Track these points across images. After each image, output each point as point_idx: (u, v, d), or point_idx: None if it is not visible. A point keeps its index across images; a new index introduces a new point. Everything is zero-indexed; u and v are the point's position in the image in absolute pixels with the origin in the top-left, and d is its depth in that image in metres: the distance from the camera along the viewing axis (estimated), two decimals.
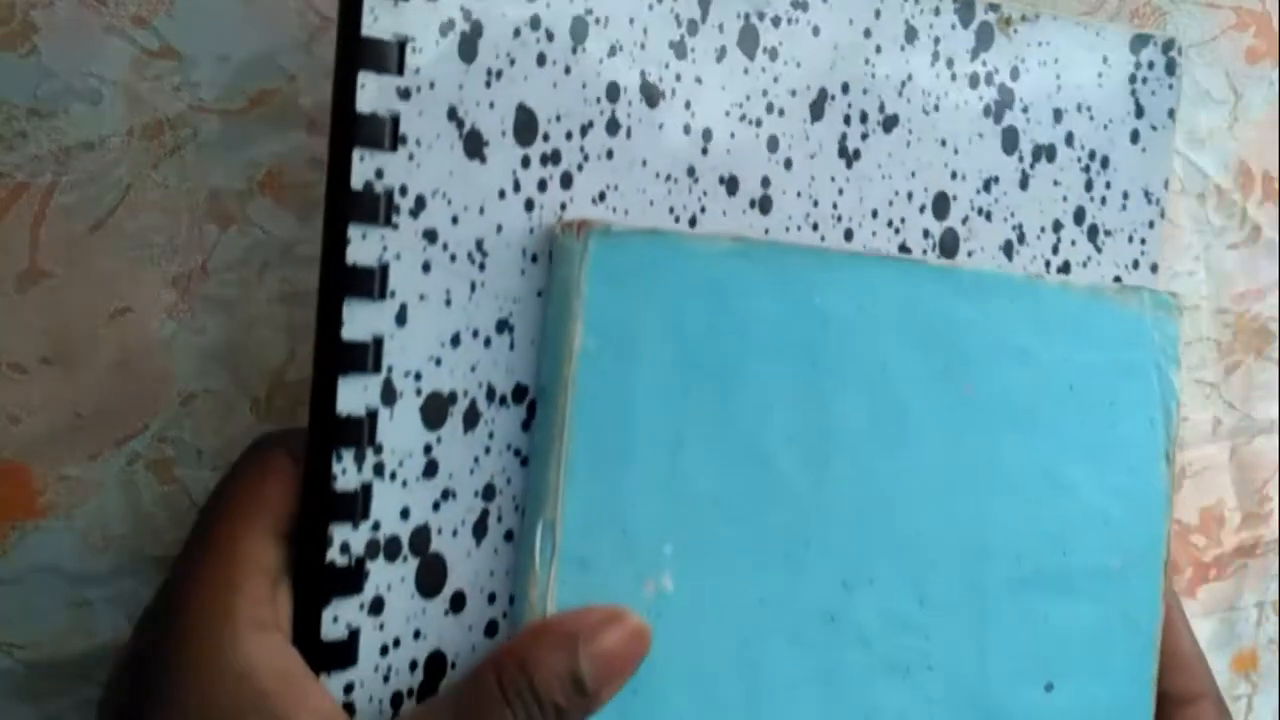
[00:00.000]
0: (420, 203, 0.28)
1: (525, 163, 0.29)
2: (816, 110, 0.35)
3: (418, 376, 0.28)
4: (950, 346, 0.35)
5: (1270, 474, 0.54)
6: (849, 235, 0.35)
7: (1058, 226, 0.40)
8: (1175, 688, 0.39)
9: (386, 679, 0.29)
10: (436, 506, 0.29)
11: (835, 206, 0.35)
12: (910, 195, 0.36)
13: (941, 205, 0.37)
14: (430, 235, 0.28)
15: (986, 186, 0.38)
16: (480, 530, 0.30)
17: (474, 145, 0.28)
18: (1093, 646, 0.37)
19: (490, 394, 0.30)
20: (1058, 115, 0.39)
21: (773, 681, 0.32)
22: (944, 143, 0.37)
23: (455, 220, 0.28)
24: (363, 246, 0.27)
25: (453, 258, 0.28)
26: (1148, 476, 0.38)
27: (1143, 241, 0.42)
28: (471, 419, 0.30)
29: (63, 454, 0.32)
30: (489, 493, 0.30)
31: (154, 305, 0.32)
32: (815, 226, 0.35)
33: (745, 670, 0.32)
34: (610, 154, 0.31)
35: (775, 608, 0.32)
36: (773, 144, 0.34)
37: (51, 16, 0.31)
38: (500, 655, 0.28)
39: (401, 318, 0.28)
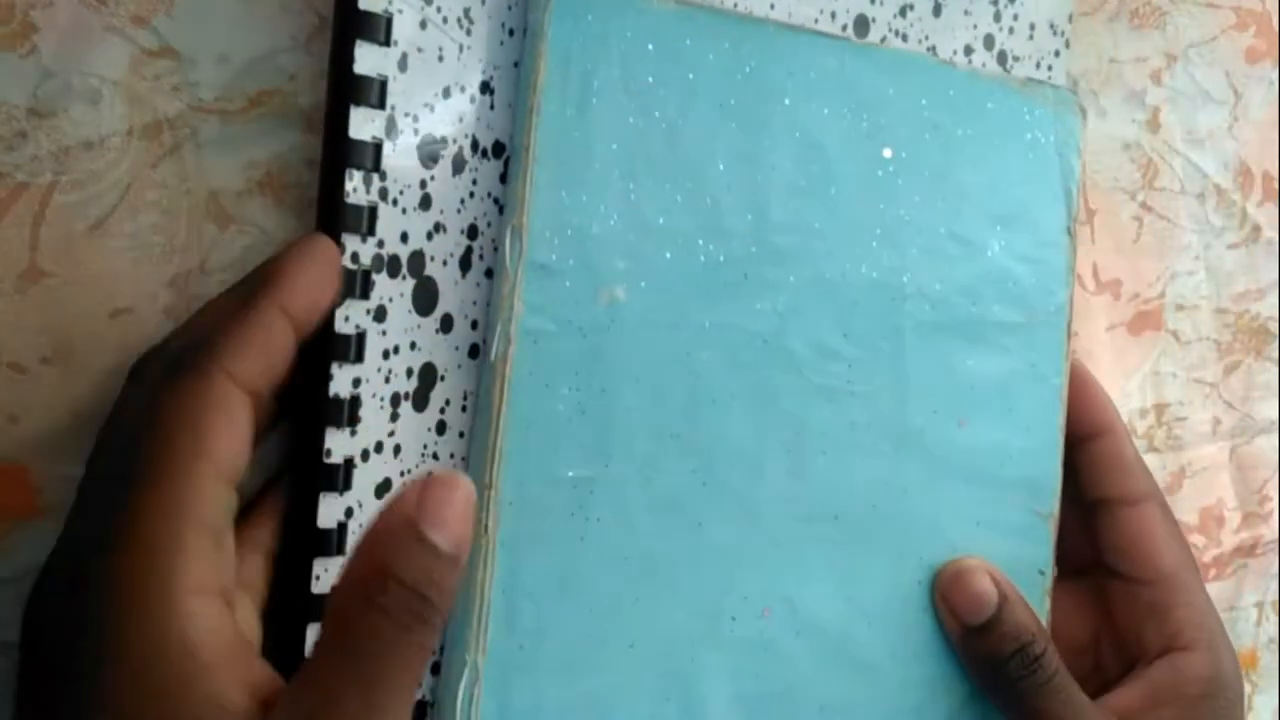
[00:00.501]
0: None
1: None
2: None
3: (415, 118, 0.33)
4: (872, 113, 0.39)
5: (1270, 474, 0.54)
6: None
7: (969, 50, 0.43)
8: (1119, 491, 0.41)
9: (387, 380, 0.33)
10: (430, 236, 0.34)
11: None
12: (834, 14, 0.41)
13: (861, 26, 0.41)
14: None
15: (903, 12, 0.42)
16: (465, 264, 0.35)
17: None
18: (1002, 392, 0.41)
19: (475, 145, 0.35)
20: None
21: (713, 392, 0.37)
22: None
23: None
24: None
25: (444, 20, 0.33)
26: (1052, 248, 0.42)
27: (1049, 69, 0.45)
28: (459, 164, 0.34)
29: (62, 453, 0.32)
30: (473, 232, 0.35)
31: (153, 305, 0.33)
32: None
33: (689, 380, 0.36)
34: None
35: (716, 329, 0.37)
36: None
37: (51, 16, 0.31)
38: (351, 577, 0.26)
39: (403, 64, 0.32)
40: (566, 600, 0.35)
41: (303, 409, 0.32)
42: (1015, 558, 0.40)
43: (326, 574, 0.32)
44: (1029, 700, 0.38)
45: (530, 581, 0.34)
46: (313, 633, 0.31)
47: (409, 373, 0.34)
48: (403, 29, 0.32)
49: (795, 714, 0.38)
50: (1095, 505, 0.42)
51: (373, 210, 0.32)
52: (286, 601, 0.31)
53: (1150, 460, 0.51)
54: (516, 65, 0.35)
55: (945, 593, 0.39)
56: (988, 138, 0.41)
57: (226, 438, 0.27)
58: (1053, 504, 0.41)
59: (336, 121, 0.31)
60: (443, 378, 0.35)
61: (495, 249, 0.35)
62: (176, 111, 0.32)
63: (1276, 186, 0.53)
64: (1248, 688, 0.55)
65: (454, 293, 0.35)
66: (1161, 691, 0.39)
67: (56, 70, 0.31)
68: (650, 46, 0.36)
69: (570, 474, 0.35)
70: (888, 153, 0.39)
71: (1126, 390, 0.50)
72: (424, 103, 0.33)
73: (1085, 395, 0.42)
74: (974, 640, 0.39)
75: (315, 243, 0.31)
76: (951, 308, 0.40)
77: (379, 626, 0.25)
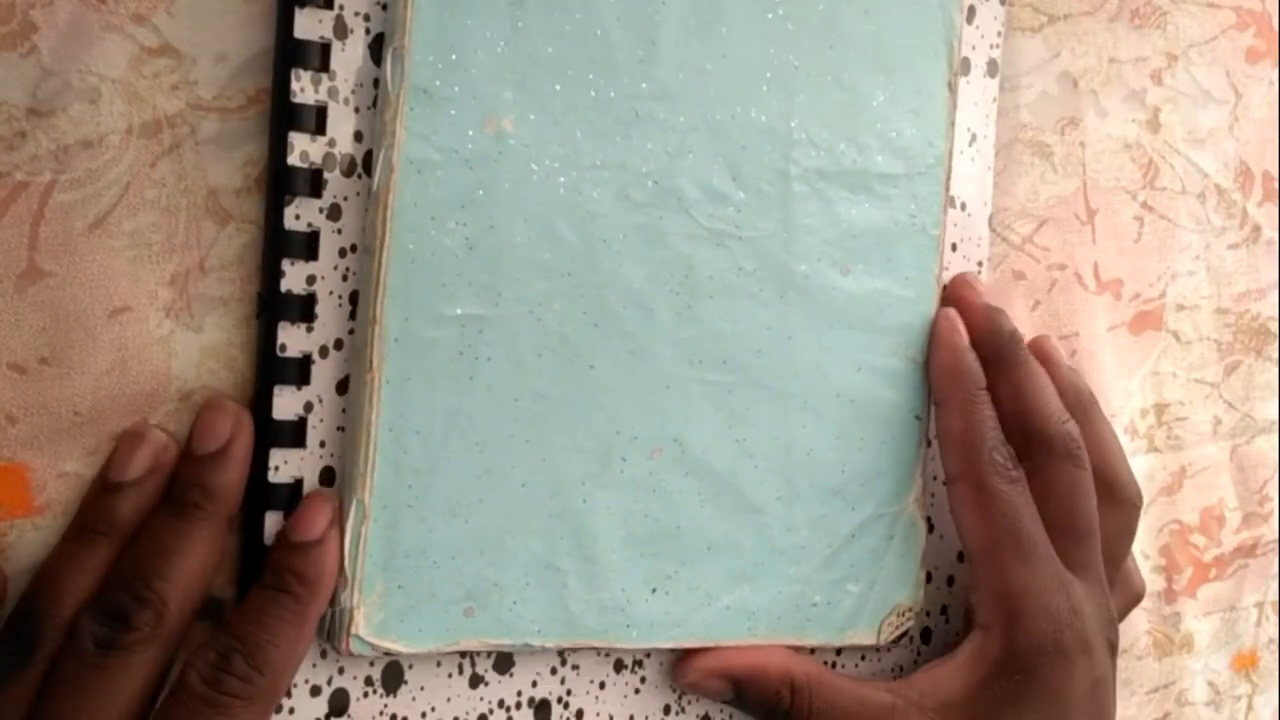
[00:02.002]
0: None
1: None
2: None
3: (367, 18, 0.34)
4: None
5: (1270, 474, 0.54)
6: None
7: None
8: (944, 470, 0.42)
9: (345, 278, 0.34)
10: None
11: None
12: None
13: None
14: None
15: None
16: None
17: None
18: (883, 240, 0.41)
19: None
20: None
21: (604, 231, 0.36)
22: None
23: None
24: None
25: None
26: (933, 100, 0.42)
27: None
28: None
29: (61, 452, 0.32)
30: None
31: (152, 304, 0.33)
32: None
33: (580, 218, 0.36)
34: None
35: (607, 166, 0.36)
36: None
37: (51, 15, 0.31)
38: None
39: None
40: (455, 439, 0.35)
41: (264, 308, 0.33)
42: (892, 402, 0.41)
43: (285, 465, 0.33)
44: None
45: (418, 420, 0.34)
46: (270, 519, 0.33)
47: None
48: None
49: (683, 553, 0.38)
50: None
51: (321, 110, 0.33)
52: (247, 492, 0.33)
53: (1150, 460, 0.51)
54: None
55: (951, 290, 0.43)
56: None
57: None
58: (926, 351, 0.42)
59: (285, 21, 0.33)
60: None
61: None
62: (176, 110, 0.32)
63: (1277, 186, 0.53)
64: (1248, 688, 0.55)
65: None
66: (954, 669, 0.40)
67: (56, 69, 0.31)
68: None
69: (459, 311, 0.34)
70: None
71: (1127, 390, 0.50)
72: (376, 1, 0.34)
73: (935, 359, 0.42)
74: (994, 315, 0.42)
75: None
76: (836, 156, 0.40)
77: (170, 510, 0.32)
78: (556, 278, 0.36)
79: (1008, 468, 0.40)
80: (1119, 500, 0.44)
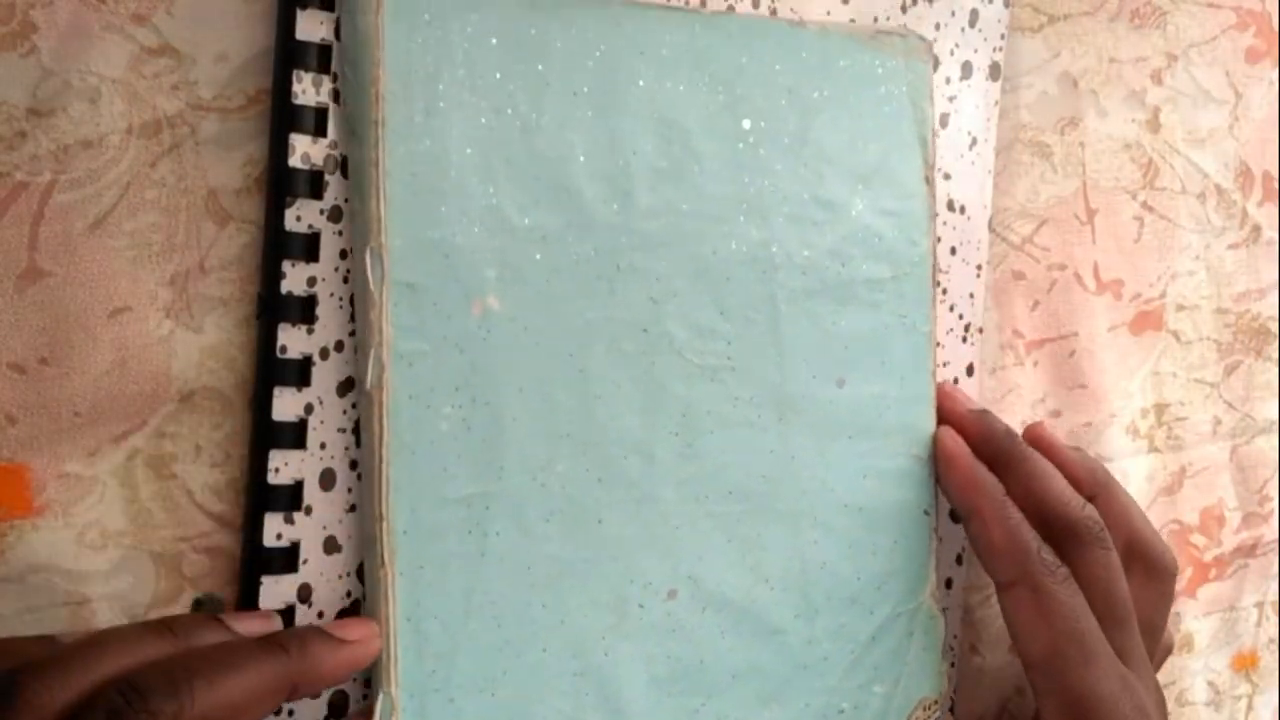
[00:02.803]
0: None
1: None
2: None
3: None
4: (728, 85, 0.39)
5: (1270, 474, 0.54)
6: None
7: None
8: (991, 576, 0.41)
9: (345, 280, 0.34)
10: None
11: None
12: None
13: None
14: None
15: None
16: None
17: None
18: (875, 346, 0.41)
19: None
20: None
21: (599, 387, 0.37)
22: None
23: None
24: None
25: None
26: (912, 198, 0.42)
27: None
28: None
29: (61, 452, 0.32)
30: None
31: (152, 304, 0.32)
32: None
33: (574, 379, 0.36)
34: None
35: (595, 324, 0.36)
36: None
37: (51, 15, 0.31)
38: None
39: None
40: (474, 617, 0.35)
41: (265, 310, 0.33)
42: (901, 502, 0.41)
43: (286, 466, 0.33)
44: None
45: (435, 605, 0.34)
46: (270, 521, 0.33)
47: None
48: None
49: (708, 686, 0.38)
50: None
51: (322, 111, 0.33)
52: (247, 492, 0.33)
53: (1150, 460, 0.51)
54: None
55: (942, 395, 0.42)
56: (842, 96, 0.41)
57: None
58: (929, 446, 0.42)
59: (286, 23, 0.33)
60: None
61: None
62: (176, 110, 0.32)
63: (1277, 186, 0.53)
64: (1248, 688, 0.55)
65: None
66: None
67: (56, 69, 0.31)
68: (494, 41, 0.34)
69: (463, 493, 0.34)
70: (747, 124, 0.39)
71: (1128, 390, 0.50)
72: (377, 3, 0.33)
73: (949, 477, 0.42)
74: (986, 419, 0.42)
75: None
76: (821, 271, 0.40)
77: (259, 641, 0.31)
78: (557, 441, 0.36)
79: (1057, 565, 0.40)
80: (1154, 571, 0.43)
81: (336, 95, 0.33)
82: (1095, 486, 0.43)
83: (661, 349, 0.37)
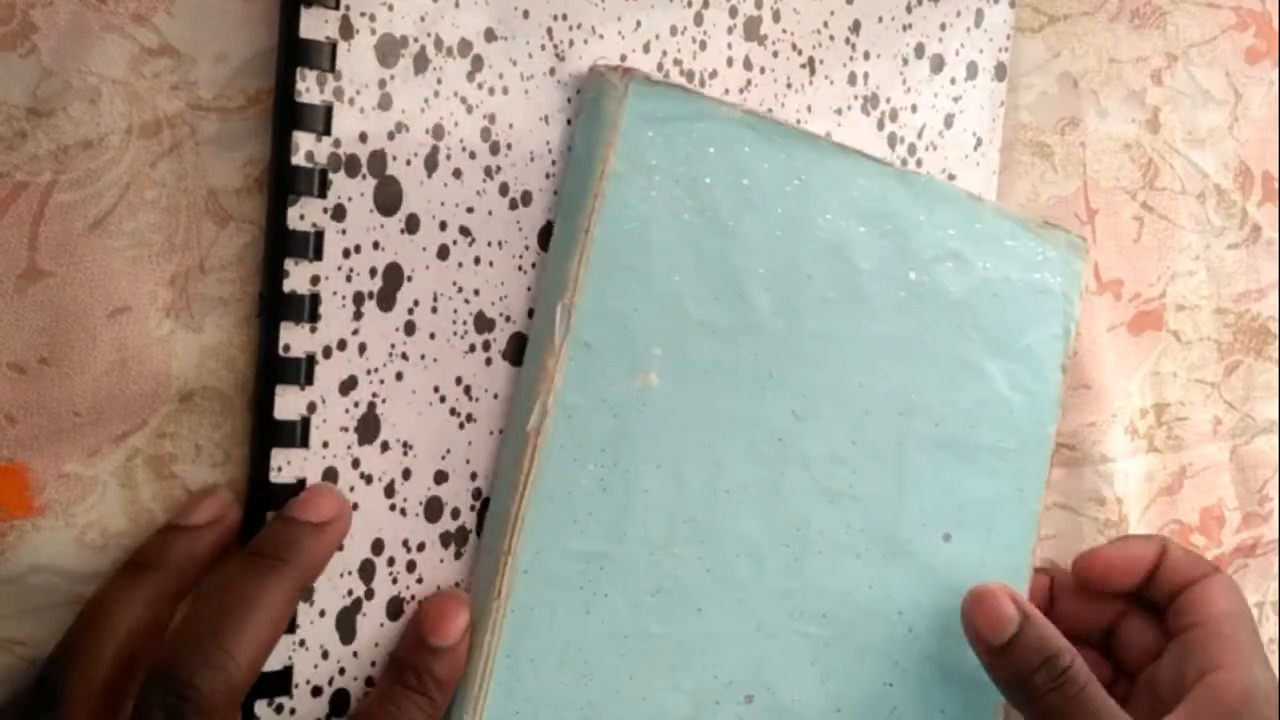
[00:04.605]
0: None
1: None
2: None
3: (372, 18, 0.33)
4: (902, 237, 0.41)
5: (1270, 474, 0.54)
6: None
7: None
8: (1188, 575, 0.43)
9: (349, 279, 0.34)
10: (391, 136, 0.34)
11: None
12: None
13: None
14: None
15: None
16: (431, 163, 0.35)
17: None
18: (987, 511, 0.43)
19: (439, 44, 0.35)
20: None
21: (729, 483, 0.38)
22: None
23: None
24: None
25: None
26: (1046, 381, 0.44)
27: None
28: (421, 64, 0.34)
29: (61, 452, 0.32)
30: (438, 132, 0.35)
31: (152, 304, 0.32)
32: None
33: (709, 469, 0.38)
34: None
35: (739, 423, 0.38)
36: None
37: (51, 15, 0.31)
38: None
39: None
40: (565, 671, 0.36)
41: (267, 307, 0.33)
42: (978, 672, 0.41)
43: (289, 465, 0.33)
44: (1060, 714, 0.38)
45: (534, 650, 0.35)
46: (272, 519, 0.33)
47: (372, 272, 0.34)
48: None
49: None
50: (1168, 601, 0.43)
51: (327, 109, 0.33)
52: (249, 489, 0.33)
53: (1150, 460, 0.51)
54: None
55: (969, 614, 0.40)
56: (1004, 272, 0.43)
57: None
58: None
59: (289, 21, 0.32)
60: (410, 278, 0.35)
61: (463, 149, 0.35)
62: (176, 110, 0.32)
63: (1276, 186, 0.53)
64: None
65: (419, 193, 0.35)
66: (1200, 707, 0.40)
67: (56, 69, 0.31)
68: (712, 150, 0.37)
69: (585, 548, 0.36)
70: (913, 275, 0.41)
71: (1127, 390, 0.50)
72: (382, 2, 0.34)
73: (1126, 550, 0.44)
74: (1000, 659, 0.40)
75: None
76: (951, 427, 0.42)
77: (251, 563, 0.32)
78: (679, 523, 0.38)
79: None
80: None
81: (340, 93, 0.33)
82: (1201, 562, 0.45)
83: (793, 462, 0.39)
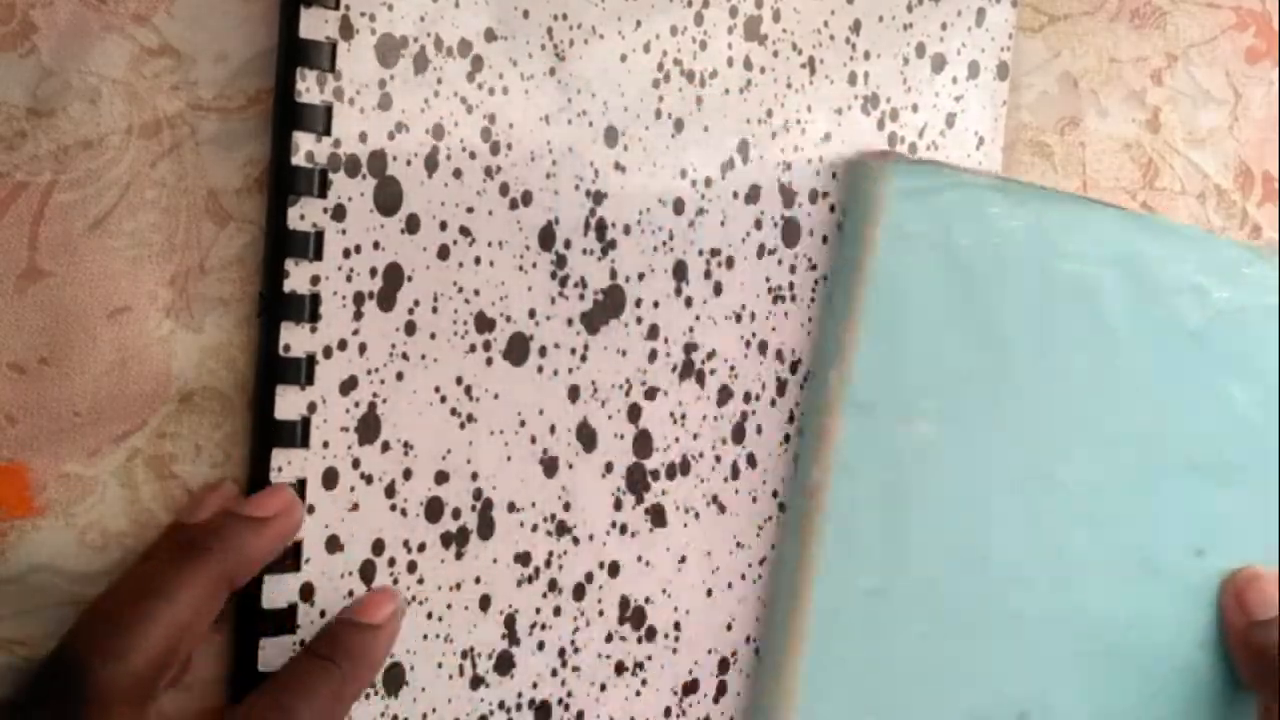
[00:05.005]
0: None
1: None
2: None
3: (372, 18, 0.33)
4: (1144, 276, 0.43)
5: None
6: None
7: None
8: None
9: (349, 279, 0.34)
10: (391, 136, 0.34)
11: None
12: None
13: None
14: None
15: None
16: (431, 164, 0.35)
17: None
18: (1236, 526, 0.45)
19: (439, 43, 0.35)
20: None
21: (996, 516, 0.41)
22: None
23: None
24: None
25: None
26: None
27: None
28: (421, 64, 0.34)
29: (61, 452, 0.32)
30: (438, 132, 0.35)
31: (152, 304, 0.32)
32: None
33: (977, 506, 0.41)
34: None
35: (1002, 460, 0.41)
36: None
37: (51, 15, 0.31)
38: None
39: None
40: (858, 699, 0.39)
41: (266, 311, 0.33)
42: (1226, 678, 0.44)
43: (289, 465, 0.33)
44: None
45: (828, 683, 0.38)
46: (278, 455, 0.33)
47: (373, 272, 0.34)
48: None
49: None
50: None
51: (327, 109, 0.33)
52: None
53: None
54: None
55: (1240, 591, 0.43)
56: (1242, 299, 0.46)
57: None
58: None
59: (289, 21, 0.32)
60: (410, 278, 0.35)
61: (463, 149, 0.35)
62: (176, 110, 0.32)
63: (1277, 187, 0.53)
64: None
65: (419, 193, 0.35)
66: None
67: (56, 69, 0.31)
68: (964, 214, 0.41)
69: (871, 585, 0.39)
70: (1156, 311, 0.44)
71: None
72: (382, 2, 0.34)
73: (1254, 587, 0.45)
74: (1257, 632, 0.42)
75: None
76: (1200, 450, 0.44)
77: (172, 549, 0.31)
78: (952, 557, 0.41)
79: None
80: None
81: (340, 93, 0.33)
82: None
83: (1054, 492, 0.42)
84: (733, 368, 0.41)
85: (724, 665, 0.41)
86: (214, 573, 0.30)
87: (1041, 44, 0.48)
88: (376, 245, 0.34)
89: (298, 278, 0.33)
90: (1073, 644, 0.43)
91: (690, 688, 0.40)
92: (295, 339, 0.33)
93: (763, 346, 0.41)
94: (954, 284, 0.40)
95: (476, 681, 0.37)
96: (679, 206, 0.39)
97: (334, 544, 0.34)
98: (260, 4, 0.33)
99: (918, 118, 0.44)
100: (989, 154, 0.45)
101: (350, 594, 0.35)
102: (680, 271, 0.39)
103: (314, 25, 0.33)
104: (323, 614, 0.34)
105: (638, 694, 0.40)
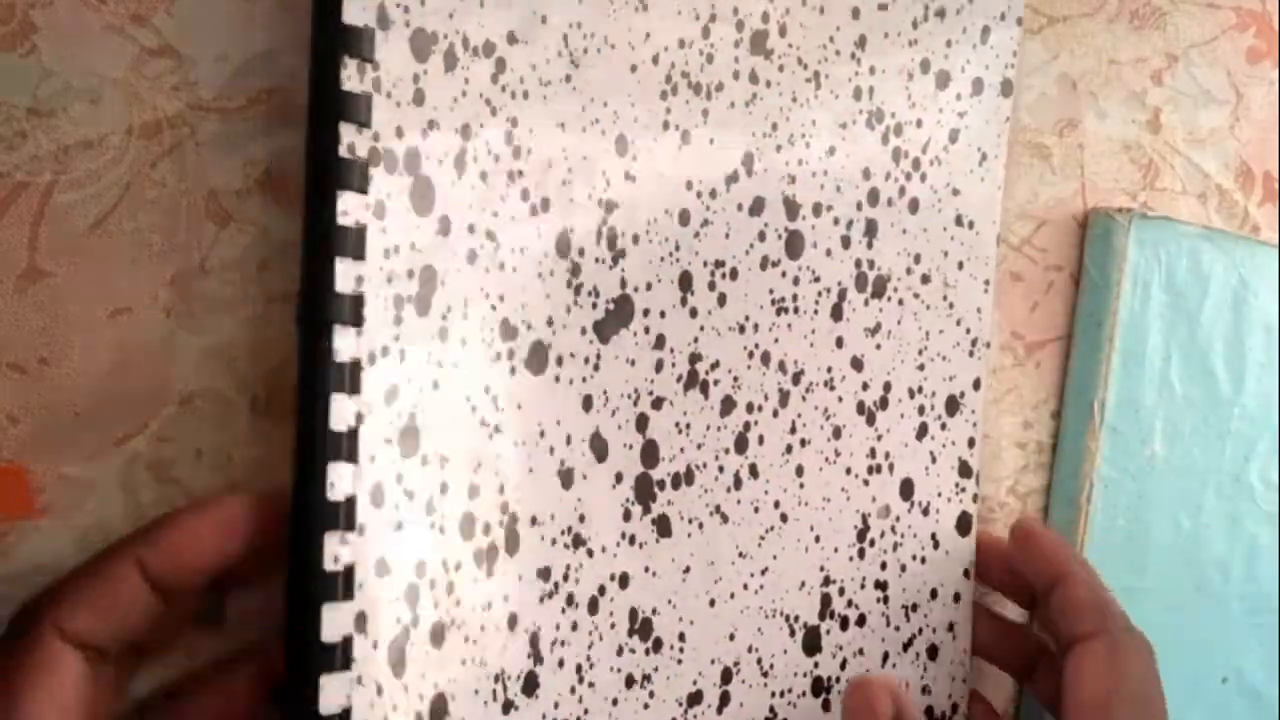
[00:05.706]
0: None
1: None
2: None
3: (406, 9, 0.32)
4: None
5: None
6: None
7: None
8: (1070, 632, 0.42)
9: (389, 280, 0.32)
10: (424, 133, 0.33)
11: None
12: None
13: None
14: None
15: None
16: (460, 164, 0.34)
17: None
18: None
19: (465, 42, 0.34)
20: None
21: (1206, 518, 0.50)
22: None
23: None
24: None
25: None
26: None
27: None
28: (451, 61, 0.33)
29: (62, 454, 0.32)
30: (466, 132, 0.34)
31: (152, 305, 0.32)
32: None
33: (1192, 511, 0.50)
34: None
35: (1209, 471, 0.50)
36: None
37: (51, 16, 0.31)
38: None
39: None
40: None
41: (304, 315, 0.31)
42: None
43: (341, 481, 0.30)
44: None
45: None
46: (329, 542, 0.30)
47: (410, 274, 0.32)
48: None
49: None
50: (1061, 648, 0.42)
51: (368, 100, 0.31)
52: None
53: None
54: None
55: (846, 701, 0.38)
56: None
57: (46, 699, 0.28)
58: None
59: (330, 8, 0.30)
60: (443, 282, 0.33)
61: (489, 152, 0.34)
62: (176, 110, 0.32)
63: (1277, 187, 0.53)
64: None
65: (451, 194, 0.33)
66: None
67: (56, 69, 0.31)
68: (1183, 259, 0.49)
69: (1120, 584, 0.44)
70: None
71: None
72: None
73: (1036, 547, 0.43)
74: None
75: (206, 502, 0.31)
76: None
77: None
78: (1177, 556, 0.50)
79: (1136, 629, 0.41)
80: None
81: (378, 84, 0.31)
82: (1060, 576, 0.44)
83: (1245, 495, 0.51)
84: (736, 378, 0.40)
85: (727, 675, 0.41)
86: (134, 552, 0.30)
87: (1040, 45, 0.48)
88: (413, 246, 0.32)
89: (344, 278, 0.31)
90: (1261, 619, 0.51)
91: (695, 699, 0.40)
92: (342, 343, 0.31)
93: (765, 357, 0.41)
94: (1176, 321, 0.49)
95: (508, 706, 0.35)
96: (685, 218, 0.39)
97: (382, 567, 0.31)
98: (260, 4, 0.33)
99: (921, 133, 0.44)
100: (992, 169, 0.45)
101: (398, 620, 0.32)
102: (686, 282, 0.39)
103: (356, 11, 0.31)
104: (375, 645, 0.31)
105: (646, 706, 0.39)
